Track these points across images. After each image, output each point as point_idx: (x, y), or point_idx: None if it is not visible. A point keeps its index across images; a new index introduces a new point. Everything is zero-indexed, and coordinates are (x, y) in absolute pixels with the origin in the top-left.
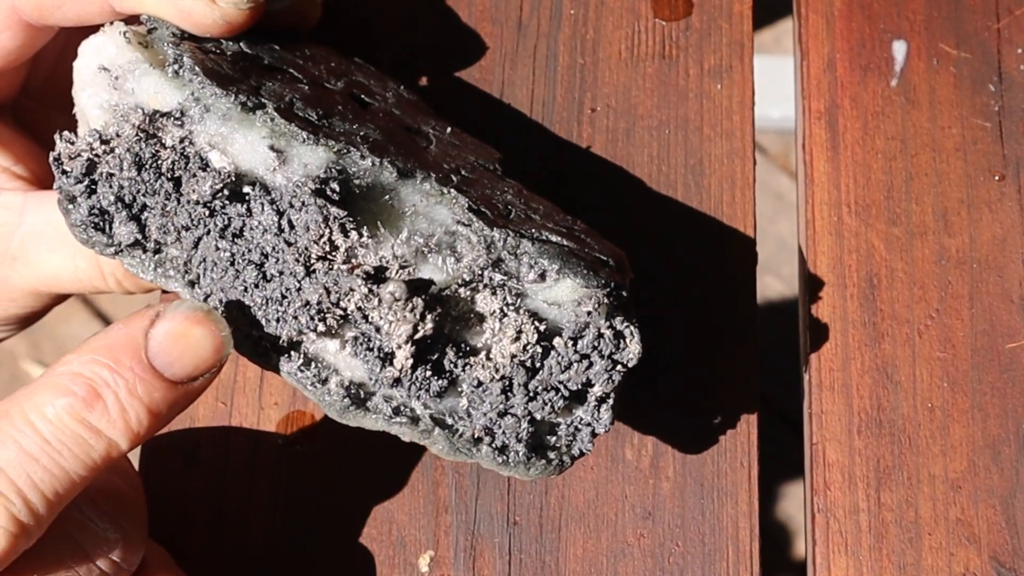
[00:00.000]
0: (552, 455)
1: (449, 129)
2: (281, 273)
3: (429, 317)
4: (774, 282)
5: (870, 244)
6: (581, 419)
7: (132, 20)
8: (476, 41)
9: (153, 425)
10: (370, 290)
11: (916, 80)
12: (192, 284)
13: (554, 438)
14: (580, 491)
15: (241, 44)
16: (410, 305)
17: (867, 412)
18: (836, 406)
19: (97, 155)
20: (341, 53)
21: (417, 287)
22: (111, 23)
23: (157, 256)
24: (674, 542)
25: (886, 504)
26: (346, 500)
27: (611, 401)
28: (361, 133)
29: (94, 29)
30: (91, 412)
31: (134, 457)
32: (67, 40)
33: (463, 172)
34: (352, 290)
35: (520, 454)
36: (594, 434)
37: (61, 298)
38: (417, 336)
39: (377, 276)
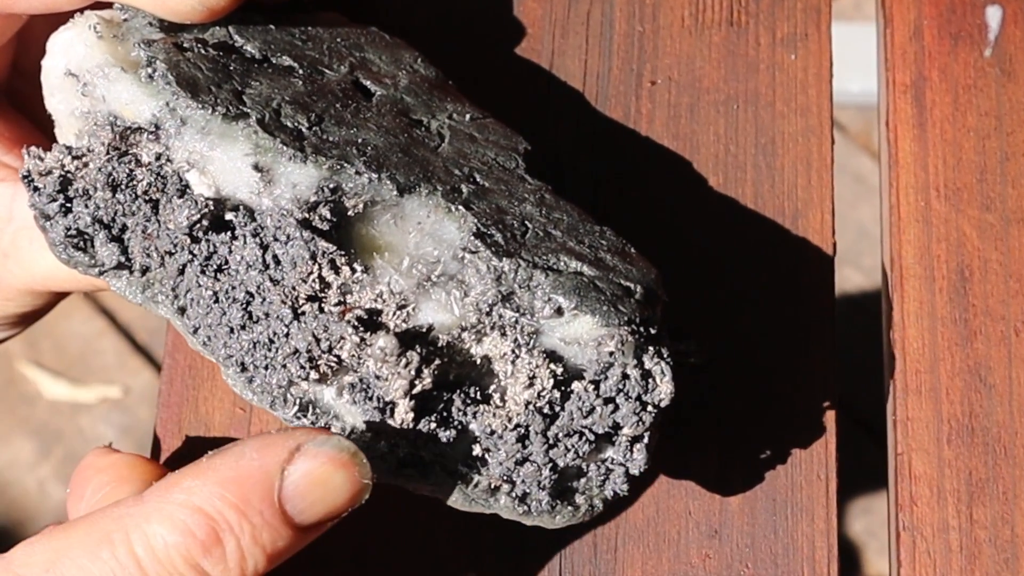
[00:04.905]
0: (580, 500)
1: (469, 115)
2: (267, 315)
3: (427, 371)
4: (854, 274)
5: (961, 232)
6: (612, 459)
7: (106, 4)
8: (522, 6)
9: (266, 571)
10: (362, 339)
11: (1012, 50)
12: (182, 311)
13: (583, 480)
14: (639, 507)
15: (229, 29)
16: (403, 360)
17: (958, 419)
18: (923, 412)
19: (70, 172)
20: (349, 19)
21: (413, 337)
22: (82, 12)
23: (144, 278)
24: (743, 563)
25: (979, 521)
26: (376, 514)
27: (645, 440)
28: (359, 140)
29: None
30: (207, 557)
31: None
32: (56, 16)
33: (476, 178)
34: (343, 338)
35: (543, 502)
36: (628, 474)
37: (62, 295)
38: (415, 391)
39: (371, 320)
